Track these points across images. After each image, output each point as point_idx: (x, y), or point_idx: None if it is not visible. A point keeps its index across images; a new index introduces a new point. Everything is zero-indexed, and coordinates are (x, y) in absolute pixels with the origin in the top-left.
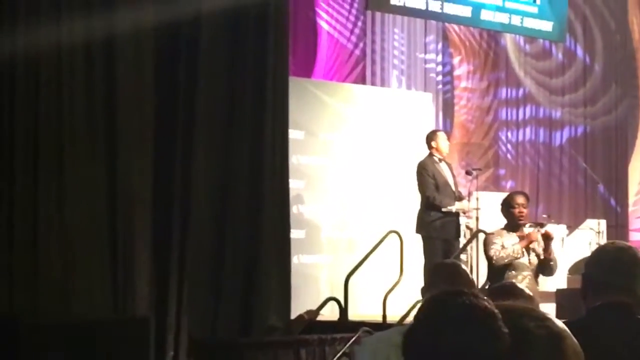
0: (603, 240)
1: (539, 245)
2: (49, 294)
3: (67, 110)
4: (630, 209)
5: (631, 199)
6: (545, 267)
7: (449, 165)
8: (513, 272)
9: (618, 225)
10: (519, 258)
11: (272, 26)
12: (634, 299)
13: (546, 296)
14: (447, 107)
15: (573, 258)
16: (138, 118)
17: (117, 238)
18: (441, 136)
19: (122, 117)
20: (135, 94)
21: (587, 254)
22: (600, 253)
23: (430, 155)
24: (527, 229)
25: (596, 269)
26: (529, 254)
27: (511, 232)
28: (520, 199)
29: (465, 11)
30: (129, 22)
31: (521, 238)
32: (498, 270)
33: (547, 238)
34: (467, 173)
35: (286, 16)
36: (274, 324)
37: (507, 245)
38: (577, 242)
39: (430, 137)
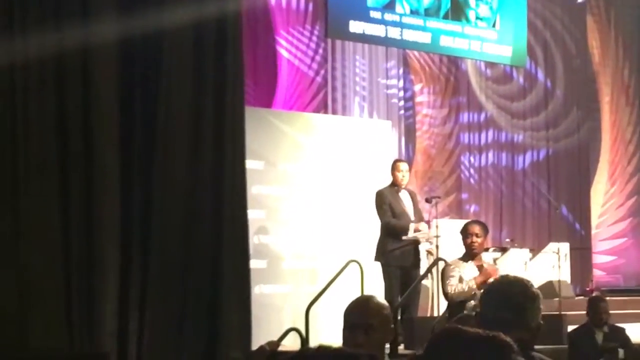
0: (567, 264)
1: None
2: (6, 329)
3: (22, 136)
4: (594, 231)
5: (594, 221)
6: None
7: (410, 193)
8: (473, 302)
9: (582, 248)
10: (475, 295)
11: (230, 57)
12: (528, 333)
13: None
14: (409, 133)
15: (537, 282)
16: (107, 148)
17: (78, 271)
18: (397, 166)
19: (87, 146)
20: (101, 117)
21: (551, 277)
22: (490, 289)
23: (392, 184)
24: (486, 259)
25: (488, 306)
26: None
27: (469, 262)
28: (474, 229)
29: (424, 37)
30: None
31: (479, 269)
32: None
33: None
34: (427, 201)
35: (241, 46)
36: (236, 356)
37: (465, 276)
38: (540, 266)
39: (391, 167)
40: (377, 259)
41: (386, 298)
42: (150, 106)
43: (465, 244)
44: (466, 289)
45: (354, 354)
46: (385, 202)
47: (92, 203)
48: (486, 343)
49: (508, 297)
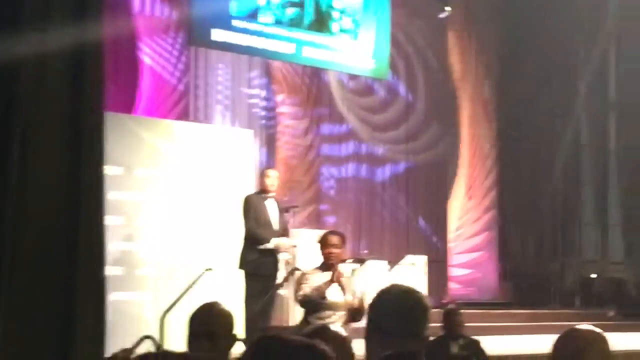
0: (424, 276)
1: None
2: None
3: None
4: (450, 244)
5: (451, 234)
6: (355, 316)
7: (277, 202)
8: (328, 311)
9: (438, 260)
10: (323, 299)
11: (88, 61)
12: (419, 344)
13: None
14: (270, 143)
15: None
16: None
17: None
18: (266, 173)
19: None
20: None
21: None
22: (384, 297)
23: (260, 191)
24: (343, 270)
25: (382, 315)
26: (344, 293)
27: (325, 272)
28: (332, 239)
29: (287, 48)
30: None
31: (332, 279)
32: (313, 309)
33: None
34: (285, 211)
35: (102, 51)
36: None
37: (317, 284)
38: (397, 278)
39: (260, 174)
40: (240, 266)
41: (246, 306)
42: (6, 114)
43: (323, 254)
44: (314, 292)
45: (197, 358)
46: (250, 209)
47: None
48: (304, 351)
49: (404, 307)
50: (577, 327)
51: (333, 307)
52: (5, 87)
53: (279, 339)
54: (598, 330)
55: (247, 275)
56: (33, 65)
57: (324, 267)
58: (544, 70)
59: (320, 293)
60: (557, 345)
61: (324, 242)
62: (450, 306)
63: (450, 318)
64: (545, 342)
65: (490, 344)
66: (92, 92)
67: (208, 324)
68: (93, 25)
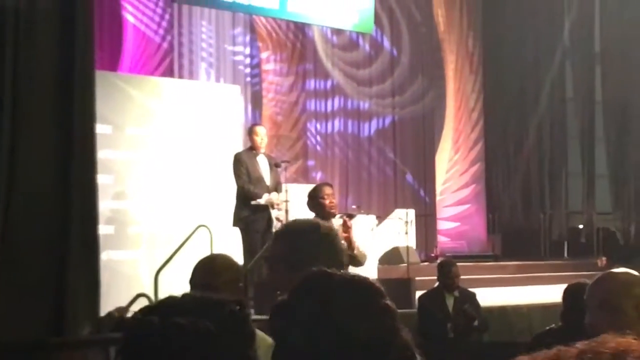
0: (412, 230)
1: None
2: None
3: None
4: (438, 198)
5: (438, 188)
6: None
7: (268, 158)
8: None
9: (426, 214)
10: None
11: (79, 19)
12: None
13: None
14: (256, 100)
15: (383, 248)
16: None
17: None
18: (255, 130)
19: None
20: None
21: (397, 244)
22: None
23: (250, 148)
24: (335, 221)
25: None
26: (353, 245)
27: None
28: (328, 190)
29: (271, 3)
30: None
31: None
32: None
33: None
34: (276, 166)
35: (92, 8)
36: (83, 323)
37: None
38: (386, 232)
39: (248, 131)
40: (235, 224)
41: (245, 263)
42: None
43: (320, 205)
44: None
45: (220, 300)
46: (242, 166)
47: None
48: (352, 285)
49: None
50: (614, 270)
51: None
52: None
53: (325, 274)
54: (635, 273)
55: (247, 232)
56: (22, 20)
57: (321, 218)
58: (528, 22)
59: None
60: (593, 288)
61: (320, 194)
62: (445, 258)
63: (446, 270)
64: (535, 293)
65: (480, 296)
66: (82, 49)
67: (209, 277)
68: None
